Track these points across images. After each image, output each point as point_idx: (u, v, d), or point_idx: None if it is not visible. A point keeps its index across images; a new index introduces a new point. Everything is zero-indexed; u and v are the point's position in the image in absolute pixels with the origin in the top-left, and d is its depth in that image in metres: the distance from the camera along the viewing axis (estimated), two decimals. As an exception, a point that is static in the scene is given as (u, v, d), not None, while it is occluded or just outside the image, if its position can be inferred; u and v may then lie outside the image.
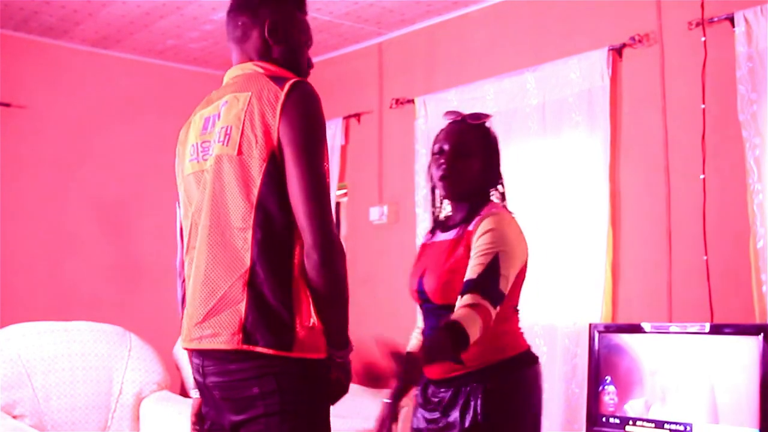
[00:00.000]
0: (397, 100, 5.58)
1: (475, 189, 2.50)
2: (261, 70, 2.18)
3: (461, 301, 2.22)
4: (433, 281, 2.44)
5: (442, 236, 2.56)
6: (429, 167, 2.58)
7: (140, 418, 4.26)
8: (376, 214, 5.67)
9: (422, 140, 5.35)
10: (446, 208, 2.61)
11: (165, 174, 6.61)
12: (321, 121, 2.07)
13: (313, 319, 1.97)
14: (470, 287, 2.23)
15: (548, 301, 4.59)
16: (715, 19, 4.00)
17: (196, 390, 2.20)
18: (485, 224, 2.36)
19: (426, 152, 5.31)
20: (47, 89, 5.79)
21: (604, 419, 3.97)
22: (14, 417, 3.85)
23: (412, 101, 5.46)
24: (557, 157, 4.62)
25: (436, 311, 2.44)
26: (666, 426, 3.72)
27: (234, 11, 2.28)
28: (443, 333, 2.15)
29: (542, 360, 4.48)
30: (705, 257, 3.99)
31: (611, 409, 3.95)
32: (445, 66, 5.40)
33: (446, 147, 2.49)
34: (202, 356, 2.08)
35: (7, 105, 5.52)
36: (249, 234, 1.99)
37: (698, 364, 3.65)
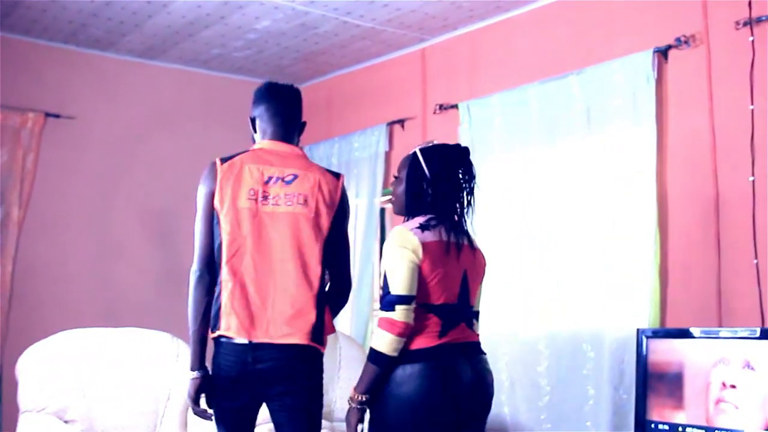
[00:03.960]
0: (440, 106, 5.58)
1: (407, 211, 2.92)
2: (304, 155, 3.20)
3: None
4: None
5: None
6: None
7: (188, 424, 4.30)
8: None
9: (466, 145, 5.32)
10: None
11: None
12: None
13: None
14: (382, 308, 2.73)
15: (596, 305, 4.55)
16: (763, 18, 3.94)
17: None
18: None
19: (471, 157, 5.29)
20: (95, 100, 5.90)
21: (653, 426, 3.92)
22: (65, 422, 3.91)
23: (455, 107, 5.46)
24: (603, 160, 4.58)
25: None
26: (716, 432, 3.67)
27: (293, 95, 3.34)
28: (367, 365, 2.71)
29: (589, 365, 4.50)
30: (755, 260, 3.93)
31: (660, 416, 3.90)
32: (488, 71, 5.39)
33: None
34: (266, 348, 2.81)
35: (57, 116, 5.62)
36: (319, 270, 2.89)
37: (751, 367, 3.59)
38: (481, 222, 5.20)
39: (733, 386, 3.62)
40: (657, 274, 4.31)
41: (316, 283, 2.87)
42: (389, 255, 2.72)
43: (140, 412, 4.19)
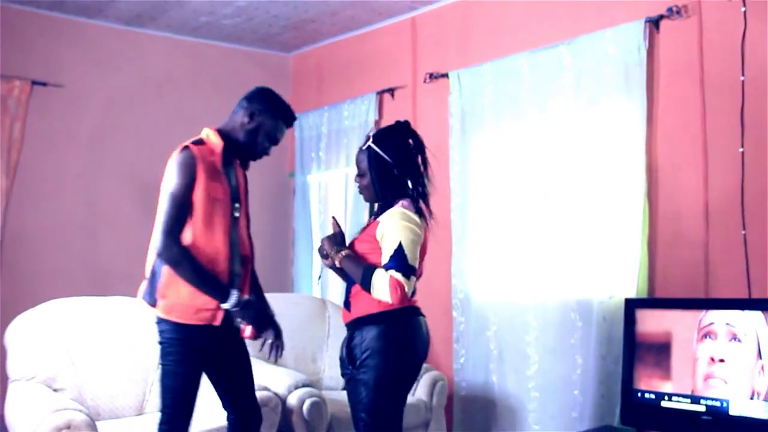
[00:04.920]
0: (431, 75, 5.55)
1: (377, 196, 3.18)
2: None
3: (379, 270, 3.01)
4: (356, 248, 3.16)
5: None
6: None
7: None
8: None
9: (456, 115, 5.32)
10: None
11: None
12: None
13: None
14: (389, 267, 2.97)
15: (584, 275, 4.57)
16: (756, -11, 3.93)
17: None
18: (381, 221, 3.09)
19: (461, 126, 5.29)
20: (82, 68, 5.84)
21: (639, 394, 3.95)
22: (55, 390, 3.92)
23: (446, 75, 5.43)
24: (593, 130, 4.58)
25: None
26: (702, 402, 3.71)
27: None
28: (365, 269, 3.00)
29: (577, 335, 4.54)
30: (743, 232, 3.95)
31: (647, 384, 3.93)
32: (479, 39, 5.36)
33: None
34: None
35: (44, 84, 5.58)
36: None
37: (738, 339, 3.61)
38: (470, 191, 5.22)
39: (721, 360, 3.65)
40: (645, 244, 4.33)
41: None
42: (407, 230, 3.01)
43: (129, 380, 4.20)
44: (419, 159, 3.21)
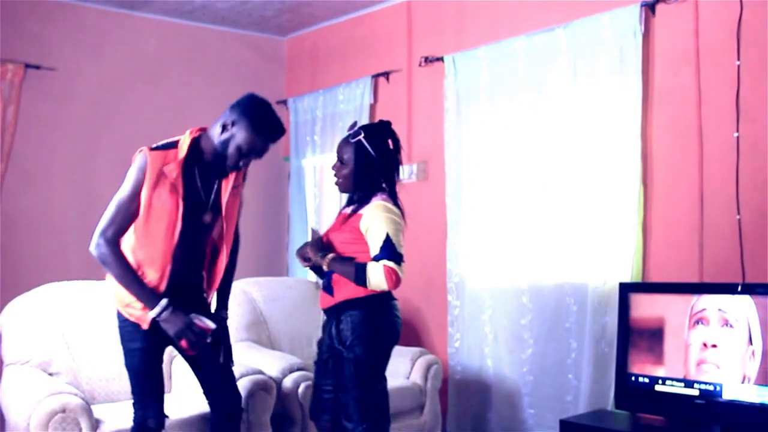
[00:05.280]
0: (426, 59, 5.54)
1: (354, 188, 3.36)
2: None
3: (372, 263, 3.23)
4: (332, 238, 3.37)
5: (344, 211, 3.45)
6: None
7: (172, 376, 4.32)
8: (405, 172, 5.65)
9: (452, 98, 5.31)
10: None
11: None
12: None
13: None
14: (381, 258, 3.20)
15: (578, 259, 4.58)
16: (752, -27, 3.92)
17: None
18: (365, 213, 3.28)
19: (456, 110, 5.28)
20: (76, 51, 5.82)
21: (633, 378, 3.97)
22: (50, 374, 3.92)
23: (441, 59, 5.42)
24: (588, 114, 4.57)
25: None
26: (696, 386, 3.72)
27: None
28: (357, 267, 3.21)
29: (572, 319, 4.56)
30: (738, 216, 3.95)
31: (641, 368, 3.95)
32: (475, 23, 5.34)
33: (336, 159, 3.42)
34: None
35: (37, 67, 5.55)
36: None
37: (729, 325, 3.63)
38: (465, 175, 5.21)
39: (714, 346, 3.67)
40: (640, 228, 4.34)
41: None
42: (391, 222, 3.24)
43: (124, 364, 4.19)
44: (397, 161, 3.45)
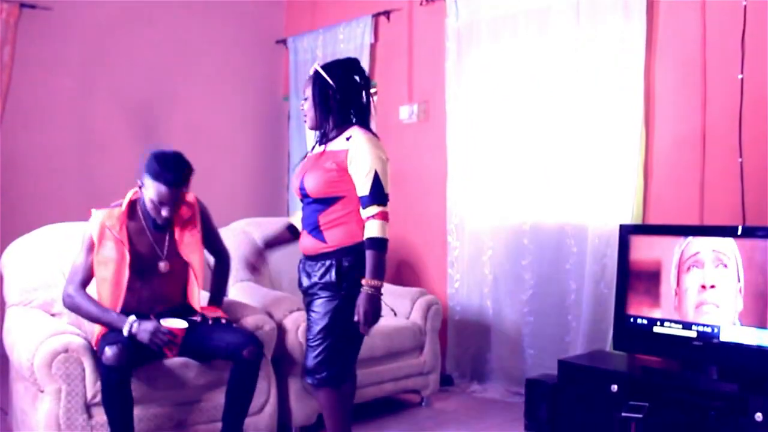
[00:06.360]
0: (427, -3, 5.46)
1: (320, 121, 3.30)
2: None
3: (365, 213, 3.14)
4: (310, 182, 3.25)
5: (315, 151, 3.36)
6: None
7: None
8: (406, 113, 5.62)
9: (453, 38, 5.25)
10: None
11: (191, 74, 6.58)
12: None
13: None
14: (367, 201, 3.13)
15: (579, 201, 4.58)
16: None
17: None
18: (352, 147, 3.19)
19: (457, 50, 5.22)
20: (72, -12, 5.73)
21: (632, 319, 3.99)
22: (52, 315, 3.94)
23: (442, -2, 5.34)
24: (591, 54, 4.52)
25: (311, 204, 3.27)
26: (694, 327, 3.75)
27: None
28: (379, 255, 3.11)
29: (572, 260, 4.57)
30: (740, 159, 3.94)
31: (639, 310, 3.97)
32: (477, -39, 5.25)
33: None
34: None
35: (32, 6, 5.46)
36: None
37: (729, 267, 3.64)
38: (466, 115, 5.18)
39: (713, 286, 3.68)
40: (641, 169, 4.33)
41: None
42: (379, 159, 3.15)
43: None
44: (364, 95, 3.33)
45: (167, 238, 3.59)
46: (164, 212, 3.46)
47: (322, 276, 3.23)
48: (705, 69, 4.11)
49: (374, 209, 3.12)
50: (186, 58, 6.21)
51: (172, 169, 3.42)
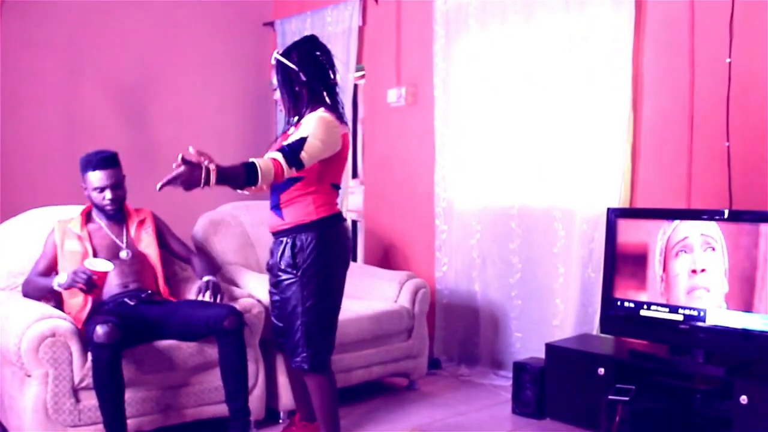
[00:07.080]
0: (415, -20, 5.44)
1: (292, 107, 3.34)
2: None
3: (268, 155, 3.07)
4: None
5: (289, 131, 3.35)
6: None
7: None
8: (394, 96, 5.61)
9: (441, 21, 5.23)
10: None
11: (178, 56, 6.52)
12: None
13: None
14: (279, 150, 3.08)
15: (567, 184, 4.58)
16: None
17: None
18: (303, 121, 3.23)
19: (445, 33, 5.21)
20: (58, -31, 5.67)
21: (619, 303, 4.01)
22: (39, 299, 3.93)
23: (431, -19, 5.32)
24: (580, 38, 4.51)
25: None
26: (680, 311, 3.77)
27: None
28: (242, 168, 2.93)
29: (560, 244, 4.58)
30: (727, 143, 3.94)
31: (626, 294, 3.99)
32: (466, -57, 5.22)
33: None
34: None
35: (18, -14, 5.42)
36: None
37: (715, 251, 3.65)
38: (454, 98, 5.17)
39: (703, 270, 3.70)
40: (629, 153, 4.33)
41: None
42: (319, 131, 3.12)
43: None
44: (329, 71, 3.37)
45: (124, 233, 3.95)
46: (108, 194, 3.82)
47: (281, 255, 3.31)
48: (693, 53, 4.11)
49: (277, 155, 3.03)
50: (173, 41, 6.17)
51: (96, 155, 3.83)
